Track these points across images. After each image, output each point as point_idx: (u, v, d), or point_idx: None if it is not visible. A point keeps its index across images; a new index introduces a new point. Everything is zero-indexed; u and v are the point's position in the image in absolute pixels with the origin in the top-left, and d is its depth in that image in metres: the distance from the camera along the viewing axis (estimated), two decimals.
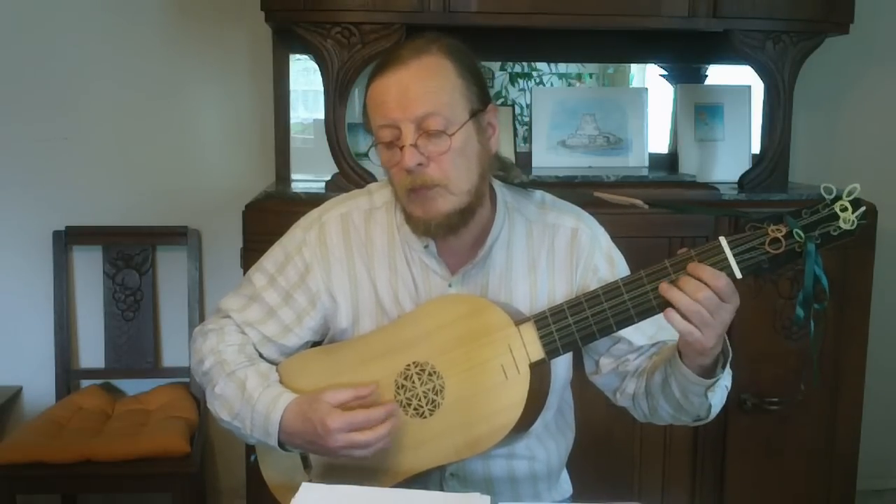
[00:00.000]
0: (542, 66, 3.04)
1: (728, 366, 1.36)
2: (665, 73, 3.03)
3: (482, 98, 1.40)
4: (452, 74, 1.36)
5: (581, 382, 1.58)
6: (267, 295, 1.50)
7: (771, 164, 2.60)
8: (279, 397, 1.41)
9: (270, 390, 1.43)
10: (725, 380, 1.38)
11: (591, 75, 3.11)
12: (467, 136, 1.36)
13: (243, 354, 1.48)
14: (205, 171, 2.88)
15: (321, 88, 2.46)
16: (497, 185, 1.48)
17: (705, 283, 1.24)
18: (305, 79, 2.88)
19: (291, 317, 1.50)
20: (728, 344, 1.35)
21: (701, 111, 2.89)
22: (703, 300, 1.24)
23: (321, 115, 2.54)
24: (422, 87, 1.33)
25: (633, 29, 2.67)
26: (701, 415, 1.42)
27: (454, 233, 1.40)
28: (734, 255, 1.26)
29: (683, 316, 1.25)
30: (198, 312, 2.84)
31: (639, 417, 1.53)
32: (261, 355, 1.51)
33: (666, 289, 1.27)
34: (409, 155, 1.33)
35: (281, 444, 1.42)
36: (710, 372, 1.35)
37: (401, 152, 1.34)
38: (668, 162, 2.92)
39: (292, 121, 2.82)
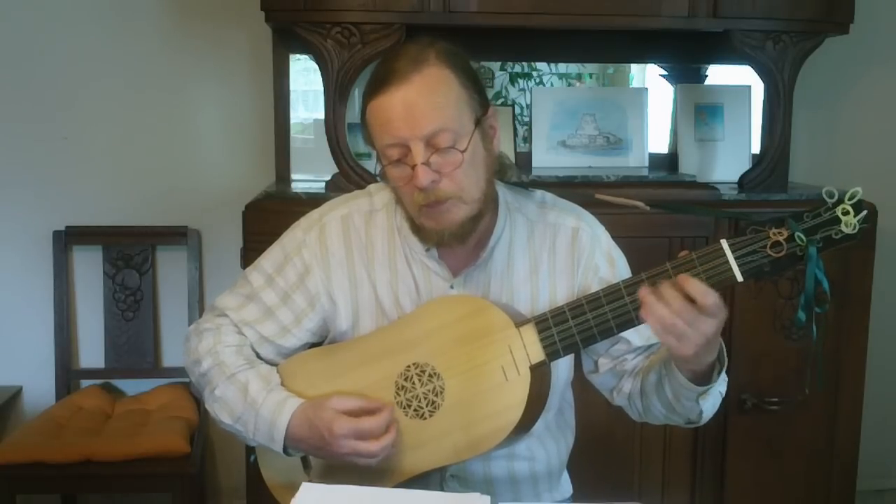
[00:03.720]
0: (542, 66, 3.04)
1: (723, 373, 1.36)
2: (665, 73, 3.03)
3: (482, 102, 1.39)
4: (455, 85, 1.34)
5: (582, 382, 1.58)
6: (265, 295, 1.50)
7: (771, 164, 2.60)
8: (284, 403, 1.41)
9: (274, 395, 1.42)
10: (720, 386, 1.38)
11: (591, 75, 3.10)
12: (475, 146, 1.36)
13: (241, 356, 1.48)
14: (205, 171, 2.88)
15: (321, 88, 2.45)
16: (498, 185, 1.48)
17: (693, 300, 1.22)
18: (305, 79, 2.88)
19: (290, 318, 1.49)
20: (724, 352, 1.34)
21: (701, 111, 2.89)
22: (679, 311, 1.22)
23: (321, 115, 2.54)
24: (428, 102, 1.31)
25: (633, 29, 2.67)
26: (692, 418, 1.42)
27: (464, 241, 1.40)
28: (735, 258, 1.25)
29: (659, 323, 1.24)
30: (197, 312, 2.84)
31: (634, 416, 1.54)
32: (258, 355, 1.50)
33: (644, 295, 1.25)
34: (422, 174, 1.31)
35: (285, 449, 1.42)
36: (703, 378, 1.34)
37: (412, 170, 1.32)
38: (668, 162, 2.92)
39: (292, 121, 2.82)
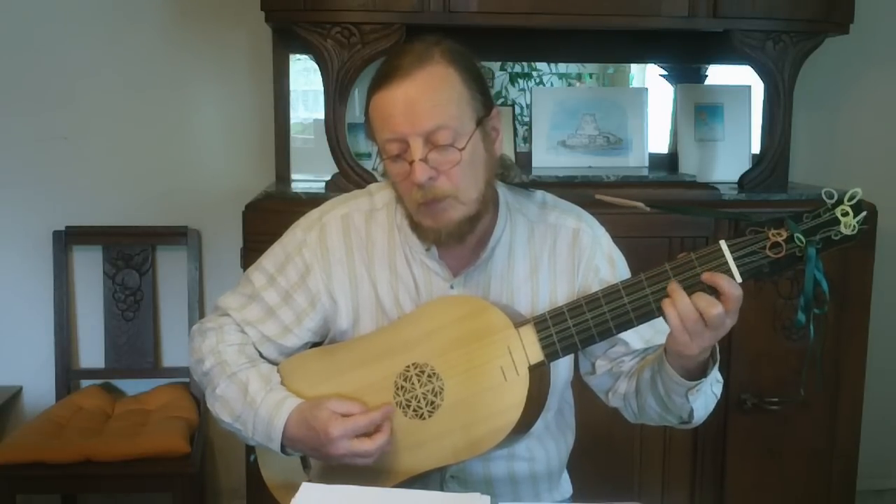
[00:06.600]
0: (542, 66, 3.04)
1: (716, 371, 1.36)
2: (665, 73, 3.03)
3: (486, 103, 1.39)
4: (458, 84, 1.34)
5: (581, 382, 1.58)
6: (266, 294, 1.50)
7: (771, 165, 2.60)
8: (282, 403, 1.41)
9: (273, 395, 1.43)
10: (713, 386, 1.38)
11: (591, 75, 3.11)
12: (475, 146, 1.36)
13: (244, 355, 1.48)
14: (205, 171, 2.88)
15: (321, 88, 2.46)
16: (498, 185, 1.48)
17: (721, 292, 1.24)
18: (305, 79, 2.88)
19: (291, 317, 1.49)
20: (717, 350, 1.35)
21: (701, 111, 2.89)
22: (711, 319, 1.24)
23: (321, 115, 2.54)
24: (429, 100, 1.31)
25: (633, 29, 2.67)
26: (684, 417, 1.42)
27: (462, 240, 1.40)
28: (734, 259, 1.25)
29: (682, 320, 1.25)
30: (198, 312, 2.84)
31: (629, 417, 1.54)
32: (260, 354, 1.51)
33: (674, 290, 1.26)
34: (419, 170, 1.31)
35: (283, 448, 1.42)
36: (695, 374, 1.35)
37: (410, 166, 1.32)
38: (668, 162, 2.92)
39: (292, 121, 2.82)
